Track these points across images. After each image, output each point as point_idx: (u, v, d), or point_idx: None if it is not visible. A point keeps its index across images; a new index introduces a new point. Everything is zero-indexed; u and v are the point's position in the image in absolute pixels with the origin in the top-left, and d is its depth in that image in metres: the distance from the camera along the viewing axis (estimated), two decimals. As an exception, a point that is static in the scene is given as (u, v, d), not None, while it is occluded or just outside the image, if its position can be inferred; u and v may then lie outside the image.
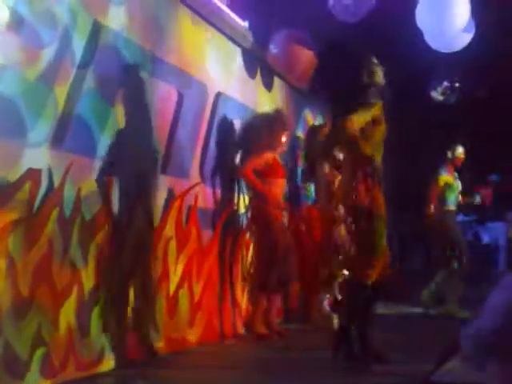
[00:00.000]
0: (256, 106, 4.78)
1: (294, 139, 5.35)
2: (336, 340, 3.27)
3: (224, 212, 4.33)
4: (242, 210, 4.59)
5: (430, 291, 5.57)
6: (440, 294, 5.56)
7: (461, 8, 4.75)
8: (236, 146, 4.47)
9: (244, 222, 4.63)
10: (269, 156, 4.35)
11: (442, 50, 5.23)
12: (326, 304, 4.69)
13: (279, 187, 4.44)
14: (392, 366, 3.15)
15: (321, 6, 4.66)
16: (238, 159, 4.47)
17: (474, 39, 5.10)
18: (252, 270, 4.57)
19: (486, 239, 10.88)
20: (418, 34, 4.97)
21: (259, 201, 4.35)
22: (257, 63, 4.85)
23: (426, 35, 5.04)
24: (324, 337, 3.72)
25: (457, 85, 6.96)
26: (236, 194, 4.51)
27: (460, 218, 10.48)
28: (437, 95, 7.29)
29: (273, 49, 4.65)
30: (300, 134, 5.63)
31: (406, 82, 6.65)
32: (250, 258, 4.65)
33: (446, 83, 7.25)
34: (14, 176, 2.52)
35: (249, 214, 4.52)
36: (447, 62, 6.03)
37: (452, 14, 4.71)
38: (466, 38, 5.12)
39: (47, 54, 2.68)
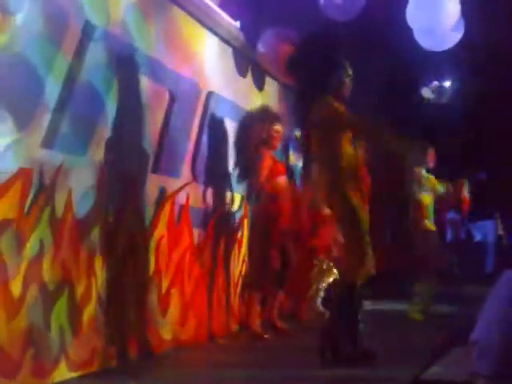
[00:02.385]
0: (247, 105, 4.78)
1: (289, 138, 5.34)
2: (323, 339, 3.23)
3: (216, 211, 4.33)
4: (234, 208, 4.60)
5: (416, 306, 5.36)
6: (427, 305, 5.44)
7: (451, 6, 4.77)
8: (233, 148, 4.46)
9: (236, 220, 4.63)
10: (267, 155, 4.34)
11: (432, 49, 5.25)
12: (318, 302, 4.70)
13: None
14: (381, 365, 3.15)
15: (312, 5, 4.66)
16: (232, 162, 4.46)
17: (462, 38, 5.12)
18: (245, 269, 4.58)
19: (478, 237, 10.95)
20: (408, 31, 4.99)
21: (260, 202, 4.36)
22: (248, 62, 4.86)
23: (416, 33, 5.06)
24: (314, 336, 3.71)
25: (447, 83, 7.00)
26: (228, 193, 4.52)
27: (451, 215, 10.56)
28: (427, 94, 7.31)
29: (260, 48, 4.65)
30: (297, 133, 5.61)
31: (395, 80, 6.69)
32: (242, 257, 4.66)
33: (436, 82, 7.28)
34: (4, 176, 2.52)
35: (242, 213, 4.53)
36: (437, 60, 6.05)
37: (443, 12, 4.73)
38: (455, 37, 5.14)
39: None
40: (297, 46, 3.79)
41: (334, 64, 3.40)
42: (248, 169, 4.36)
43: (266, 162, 4.31)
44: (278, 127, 4.43)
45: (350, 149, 3.32)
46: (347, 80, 3.43)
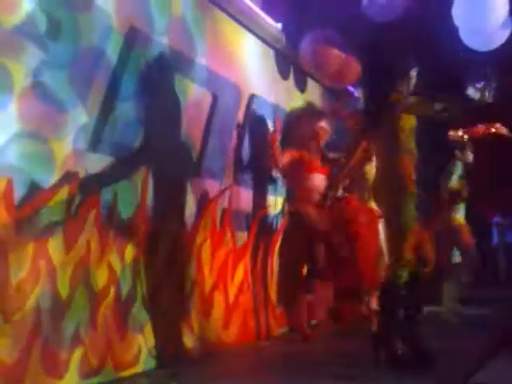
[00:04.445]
0: (289, 107, 4.77)
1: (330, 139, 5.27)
2: (375, 341, 3.20)
3: (258, 213, 4.33)
4: (276, 211, 4.58)
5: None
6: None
7: (499, 3, 4.63)
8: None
9: (279, 223, 4.61)
10: (295, 153, 4.28)
11: (480, 49, 5.11)
12: (364, 305, 4.61)
13: (314, 182, 4.32)
14: (431, 368, 3.07)
15: (354, 6, 4.61)
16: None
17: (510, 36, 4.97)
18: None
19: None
20: (454, 31, 4.89)
21: (289, 201, 4.33)
22: (290, 65, 4.85)
23: (463, 33, 4.94)
24: (363, 338, 3.65)
25: (493, 83, 6.81)
26: (270, 196, 4.51)
27: (498, 219, 10.28)
28: (473, 94, 7.13)
29: (302, 50, 4.64)
30: None
31: (441, 80, 6.55)
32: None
33: (482, 81, 7.10)
34: (53, 178, 2.58)
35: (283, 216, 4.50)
36: (484, 59, 5.89)
37: (490, 9, 4.60)
38: (503, 35, 4.99)
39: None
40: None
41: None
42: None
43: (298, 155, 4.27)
44: (323, 124, 4.40)
45: None
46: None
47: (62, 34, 2.59)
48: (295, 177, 4.32)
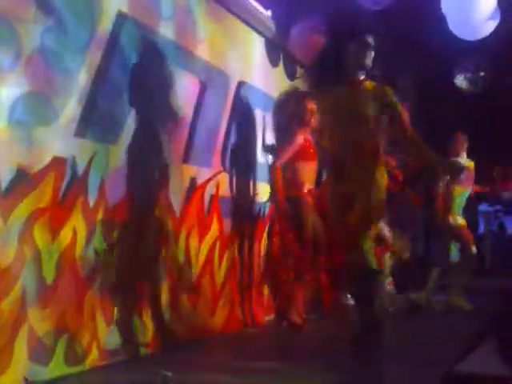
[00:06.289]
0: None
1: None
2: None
3: (246, 201, 4.32)
4: (264, 198, 4.58)
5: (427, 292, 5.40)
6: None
7: (488, -5, 4.64)
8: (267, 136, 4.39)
9: (265, 210, 4.62)
10: (299, 138, 4.15)
11: (467, 38, 5.13)
12: (347, 295, 4.65)
13: (309, 171, 4.23)
14: (413, 358, 3.11)
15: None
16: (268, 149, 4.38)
17: (498, 27, 4.99)
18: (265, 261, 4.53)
19: (511, 230, 10.73)
20: (442, 20, 4.90)
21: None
22: (279, 52, 4.83)
23: (451, 22, 4.96)
24: (343, 326, 3.68)
25: (481, 73, 6.83)
26: (259, 183, 4.50)
27: (484, 207, 10.38)
28: (461, 83, 7.15)
29: (293, 38, 4.62)
30: None
31: (429, 69, 6.57)
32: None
33: (470, 71, 7.12)
34: (39, 165, 2.56)
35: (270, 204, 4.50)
36: (472, 49, 5.92)
37: (478, 1, 4.61)
38: (491, 26, 5.01)
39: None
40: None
41: (342, 39, 3.28)
42: (273, 149, 4.24)
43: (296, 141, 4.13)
44: (309, 102, 4.15)
45: None
46: (363, 50, 3.23)
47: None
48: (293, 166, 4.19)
